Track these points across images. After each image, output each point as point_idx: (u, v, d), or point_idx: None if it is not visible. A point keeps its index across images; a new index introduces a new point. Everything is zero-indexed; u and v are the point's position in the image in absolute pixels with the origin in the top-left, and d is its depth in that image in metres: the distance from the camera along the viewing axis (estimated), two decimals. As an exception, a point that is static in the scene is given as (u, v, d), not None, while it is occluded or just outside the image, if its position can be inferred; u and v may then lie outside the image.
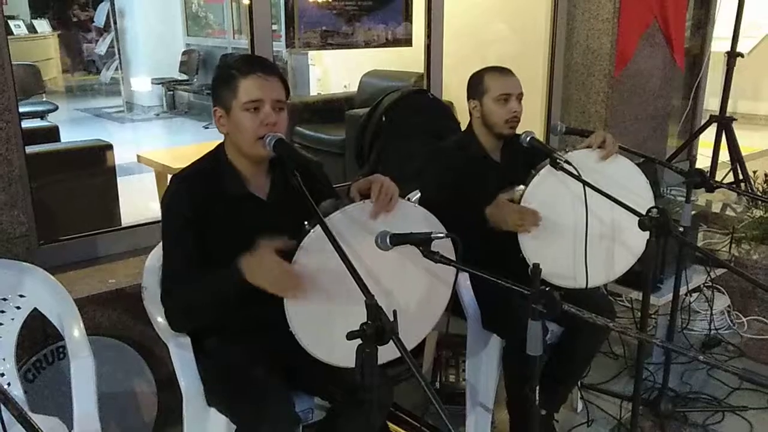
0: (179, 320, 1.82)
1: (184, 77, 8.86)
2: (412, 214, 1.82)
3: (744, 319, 3.42)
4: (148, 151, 4.90)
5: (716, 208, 3.99)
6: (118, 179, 3.39)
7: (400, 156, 3.33)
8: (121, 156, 3.81)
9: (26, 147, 2.34)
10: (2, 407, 1.10)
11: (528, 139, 2.29)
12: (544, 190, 2.18)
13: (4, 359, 1.92)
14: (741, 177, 4.22)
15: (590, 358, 2.47)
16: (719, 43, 4.82)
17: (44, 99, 7.24)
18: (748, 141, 5.16)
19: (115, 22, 8.57)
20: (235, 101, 1.75)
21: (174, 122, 8.65)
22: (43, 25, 8.79)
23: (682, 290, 2.79)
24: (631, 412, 2.26)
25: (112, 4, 8.53)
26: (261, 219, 1.81)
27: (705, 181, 2.42)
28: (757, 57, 6.82)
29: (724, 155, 4.35)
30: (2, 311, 1.93)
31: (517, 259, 2.15)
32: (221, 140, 1.87)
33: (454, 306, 2.02)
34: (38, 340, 2.20)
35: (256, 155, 1.79)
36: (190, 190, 1.80)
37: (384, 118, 3.45)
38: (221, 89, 1.78)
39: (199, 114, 8.51)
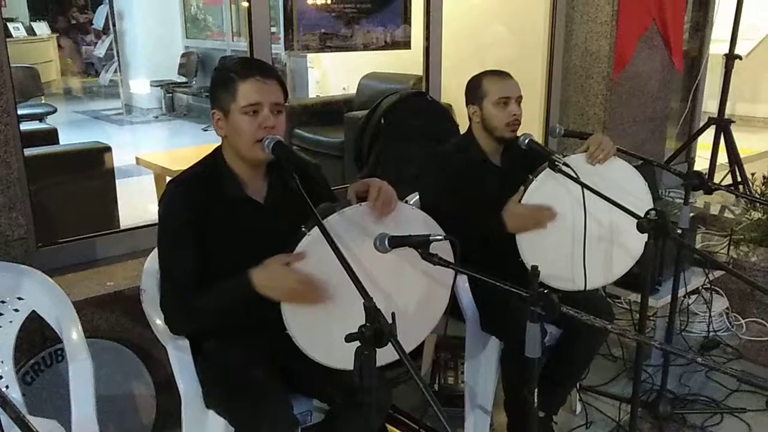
0: (180, 325, 1.82)
1: (183, 80, 8.86)
2: (410, 217, 1.82)
3: (742, 321, 3.42)
4: (147, 154, 4.90)
5: (714, 210, 3.99)
6: (117, 181, 3.38)
7: (399, 158, 3.33)
8: (120, 158, 3.82)
9: (25, 149, 2.34)
10: (0, 410, 1.09)
11: (526, 141, 2.29)
12: (543, 194, 2.18)
13: (2, 362, 1.92)
14: (739, 179, 4.22)
15: (589, 360, 2.47)
16: (717, 45, 4.83)
17: (43, 101, 7.24)
18: (746, 143, 5.17)
19: (114, 25, 8.57)
20: (233, 104, 1.75)
21: (173, 124, 8.65)
22: (42, 28, 8.80)
23: (681, 292, 2.78)
24: (629, 414, 2.27)
25: (111, 7, 8.53)
26: (258, 222, 1.82)
27: (703, 183, 2.42)
28: (756, 59, 6.83)
29: (723, 157, 4.35)
30: (0, 314, 1.93)
31: (515, 262, 2.16)
32: (220, 143, 1.87)
33: (453, 308, 2.02)
34: (36, 342, 2.20)
35: (255, 158, 1.79)
36: (187, 194, 1.80)
37: (383, 121, 3.45)
38: (219, 92, 1.78)
39: (197, 116, 8.51)
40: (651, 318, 3.12)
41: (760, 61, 7.01)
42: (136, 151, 5.12)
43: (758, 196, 3.71)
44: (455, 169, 2.36)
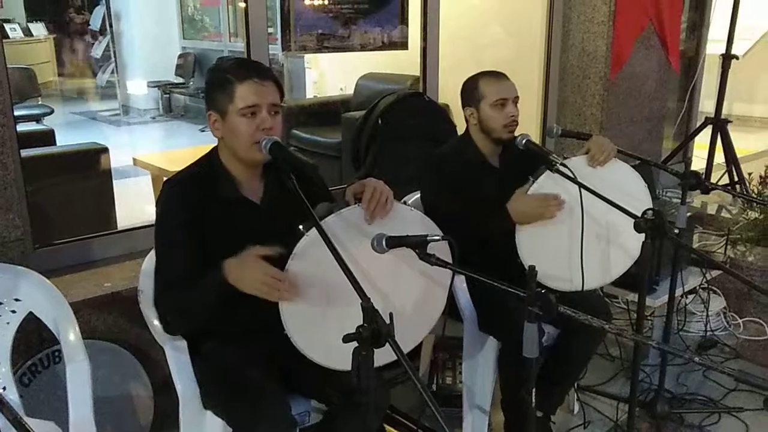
0: (172, 322, 1.82)
1: (180, 80, 8.85)
2: (408, 218, 1.82)
3: (739, 321, 3.42)
4: (144, 155, 4.90)
5: (711, 209, 4.00)
6: (114, 182, 3.38)
7: (397, 159, 3.33)
8: (117, 159, 3.81)
9: (22, 150, 2.33)
10: (-3, 412, 1.09)
11: (524, 141, 2.29)
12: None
13: (-1, 363, 1.92)
14: (736, 179, 4.23)
15: (586, 360, 2.47)
16: (714, 45, 4.83)
17: (40, 102, 7.23)
18: (743, 143, 5.18)
19: (110, 26, 8.55)
20: (231, 106, 1.75)
21: (170, 125, 8.64)
22: (38, 29, 8.78)
23: (678, 292, 2.79)
24: (627, 413, 2.27)
25: (108, 8, 8.52)
26: (254, 223, 1.81)
27: (700, 183, 2.43)
28: (752, 59, 6.83)
29: (720, 157, 4.36)
30: (-2, 315, 1.93)
31: (514, 262, 2.16)
32: (216, 143, 1.87)
33: (451, 308, 2.02)
34: (34, 344, 2.20)
35: (253, 159, 1.79)
36: (184, 194, 1.80)
37: (380, 121, 3.45)
38: (216, 94, 1.78)
39: (195, 117, 8.50)
40: (648, 318, 3.12)
41: (756, 61, 7.02)
42: (133, 152, 5.12)
43: (755, 196, 3.72)
44: (453, 170, 2.36)
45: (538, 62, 4.08)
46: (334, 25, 3.14)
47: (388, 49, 3.37)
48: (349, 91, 5.41)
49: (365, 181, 1.77)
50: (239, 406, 1.75)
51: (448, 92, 3.72)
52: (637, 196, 2.29)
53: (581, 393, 2.78)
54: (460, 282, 2.37)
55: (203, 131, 7.70)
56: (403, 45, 3.41)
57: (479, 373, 2.38)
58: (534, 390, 1.54)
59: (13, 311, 1.94)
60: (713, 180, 4.21)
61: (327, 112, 5.22)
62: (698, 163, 4.48)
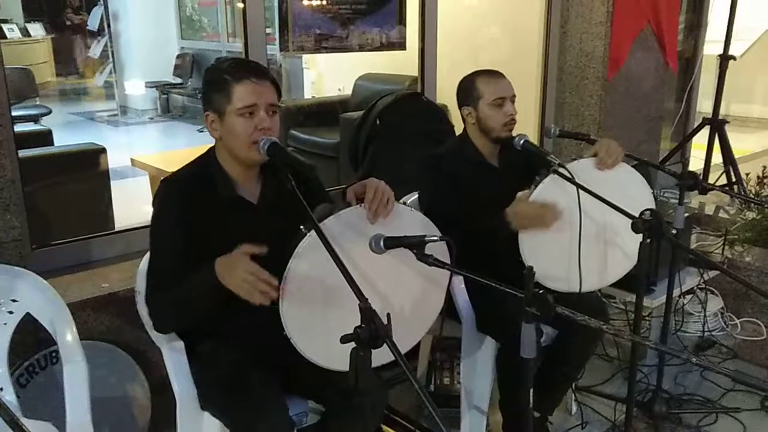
0: (161, 319, 1.81)
1: (178, 81, 8.85)
2: (408, 218, 1.82)
3: (737, 321, 3.43)
4: (142, 155, 4.89)
5: (709, 210, 4.00)
6: (112, 183, 3.38)
7: (395, 159, 3.33)
8: (115, 160, 3.80)
9: (19, 151, 2.33)
10: (-6, 412, 1.09)
11: (521, 142, 2.29)
12: (547, 199, 2.16)
13: (-4, 364, 1.91)
14: (734, 179, 4.23)
15: (584, 361, 2.47)
16: (712, 46, 4.84)
17: (37, 102, 7.22)
18: (740, 143, 5.18)
19: (108, 26, 8.54)
20: (229, 106, 1.75)
21: (168, 126, 8.64)
22: (36, 29, 8.77)
23: (676, 292, 2.79)
24: (625, 414, 2.27)
25: (106, 8, 8.50)
26: (251, 223, 1.81)
27: (698, 183, 2.43)
28: (750, 60, 6.83)
29: (717, 157, 4.36)
30: (-5, 316, 1.93)
31: (512, 263, 2.15)
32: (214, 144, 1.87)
33: (449, 309, 2.02)
34: (31, 344, 2.19)
35: (250, 159, 1.79)
36: (181, 193, 1.80)
37: (378, 121, 3.45)
38: (213, 94, 1.78)
39: (193, 117, 8.50)
40: (646, 318, 3.12)
41: (754, 62, 7.03)
42: (131, 153, 5.10)
43: (753, 197, 3.72)
44: (452, 171, 2.35)
45: (536, 63, 4.08)
46: (332, 25, 3.14)
47: (386, 50, 3.37)
48: (347, 91, 5.41)
49: (366, 181, 1.77)
50: (236, 406, 1.75)
51: (446, 92, 3.72)
52: (642, 200, 2.26)
53: (579, 393, 2.78)
54: (459, 282, 2.37)
55: (201, 132, 7.69)
56: (401, 45, 3.41)
57: (477, 373, 2.38)
58: (532, 390, 1.54)
59: (11, 312, 1.94)
60: (711, 180, 4.22)
61: (325, 112, 5.22)
62: (696, 164, 4.49)
